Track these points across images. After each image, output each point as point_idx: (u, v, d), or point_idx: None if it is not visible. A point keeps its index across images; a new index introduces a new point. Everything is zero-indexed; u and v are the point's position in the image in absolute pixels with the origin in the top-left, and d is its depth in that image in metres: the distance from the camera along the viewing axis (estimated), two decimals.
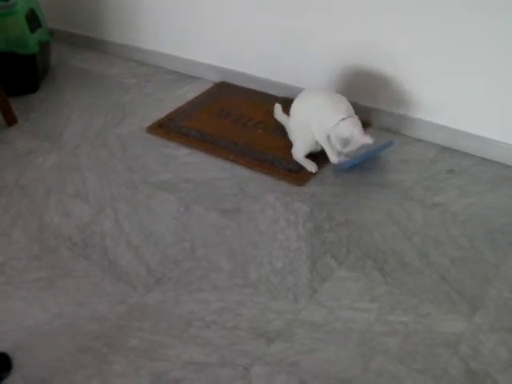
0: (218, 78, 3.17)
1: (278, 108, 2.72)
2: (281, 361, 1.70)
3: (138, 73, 3.37)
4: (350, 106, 2.40)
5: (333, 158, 2.40)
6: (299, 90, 2.53)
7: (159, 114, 2.91)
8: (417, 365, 1.66)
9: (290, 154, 2.49)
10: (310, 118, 2.42)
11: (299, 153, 2.48)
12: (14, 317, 1.89)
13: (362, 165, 2.45)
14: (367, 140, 2.29)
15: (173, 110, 2.95)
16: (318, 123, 2.39)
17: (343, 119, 2.32)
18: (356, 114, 2.44)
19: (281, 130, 2.62)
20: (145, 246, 2.13)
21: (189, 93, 3.11)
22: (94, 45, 3.65)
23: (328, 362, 1.68)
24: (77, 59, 3.57)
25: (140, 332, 1.81)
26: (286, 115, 2.61)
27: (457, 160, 2.47)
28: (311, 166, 2.44)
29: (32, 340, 1.81)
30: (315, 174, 2.41)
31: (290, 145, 2.51)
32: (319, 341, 1.75)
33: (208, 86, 3.15)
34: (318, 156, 2.46)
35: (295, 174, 2.43)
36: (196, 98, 3.05)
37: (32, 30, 3.11)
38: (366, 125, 2.67)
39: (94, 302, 1.92)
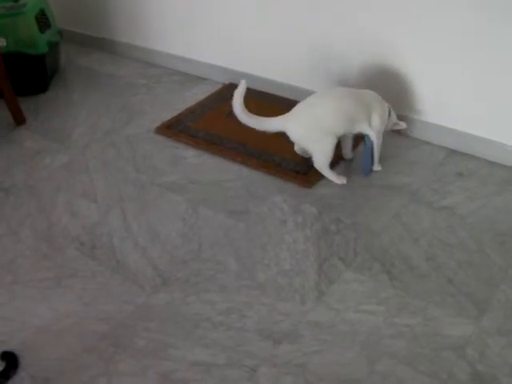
0: (226, 80, 3.17)
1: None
2: (287, 362, 1.70)
3: (147, 74, 3.38)
4: None
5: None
6: (307, 92, 2.52)
7: (167, 114, 2.92)
8: (423, 368, 1.66)
9: (298, 156, 2.49)
10: (354, 119, 2.31)
11: (323, 163, 2.37)
12: (21, 316, 1.90)
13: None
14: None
15: (181, 111, 2.96)
16: (377, 120, 2.34)
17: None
18: None
19: None
20: (152, 246, 2.14)
21: (197, 94, 3.11)
22: (103, 45, 3.67)
23: (334, 364, 1.68)
24: (86, 60, 3.59)
25: (147, 332, 1.81)
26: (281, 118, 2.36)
27: (465, 163, 2.47)
28: (339, 180, 2.39)
29: (39, 339, 1.81)
30: (323, 176, 2.40)
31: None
32: (326, 342, 1.75)
33: (216, 87, 3.16)
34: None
35: (303, 175, 2.43)
36: (204, 99, 3.06)
37: (42, 31, 3.13)
38: None
39: (101, 302, 1.93)
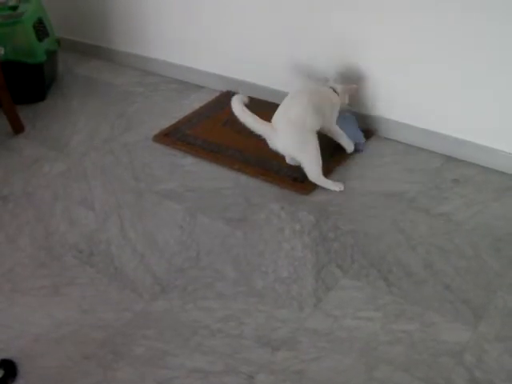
0: (223, 88, 3.18)
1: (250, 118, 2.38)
2: (285, 369, 1.70)
3: (145, 82, 3.39)
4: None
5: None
6: None
7: (165, 122, 2.93)
8: (421, 374, 1.66)
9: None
10: (324, 113, 2.42)
11: (316, 174, 2.38)
12: (20, 323, 1.90)
13: (367, 174, 2.48)
14: None
15: (179, 118, 2.96)
16: (335, 115, 2.50)
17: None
18: (360, 123, 2.62)
19: None
20: (150, 254, 2.14)
21: (195, 102, 3.12)
22: (100, 54, 3.68)
23: (332, 371, 1.69)
24: (84, 68, 3.60)
25: (145, 340, 1.82)
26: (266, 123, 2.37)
27: (461, 170, 2.47)
28: (336, 186, 2.39)
29: (37, 347, 1.81)
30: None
31: None
32: (324, 349, 1.75)
33: (214, 95, 3.17)
34: (323, 165, 2.45)
35: (300, 183, 2.43)
36: (202, 107, 3.07)
37: (40, 39, 3.14)
38: (369, 134, 2.68)
39: (100, 310, 1.93)
